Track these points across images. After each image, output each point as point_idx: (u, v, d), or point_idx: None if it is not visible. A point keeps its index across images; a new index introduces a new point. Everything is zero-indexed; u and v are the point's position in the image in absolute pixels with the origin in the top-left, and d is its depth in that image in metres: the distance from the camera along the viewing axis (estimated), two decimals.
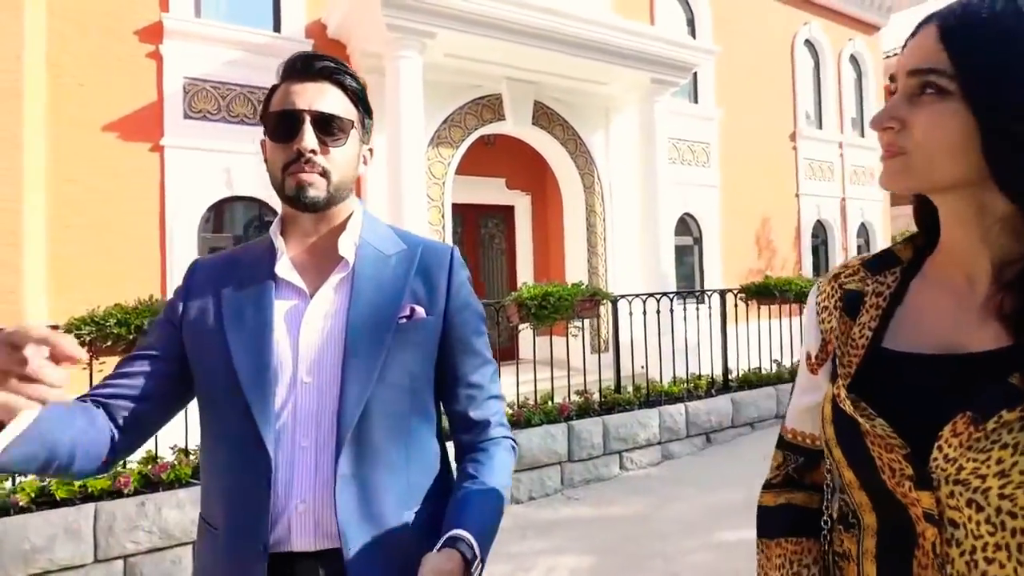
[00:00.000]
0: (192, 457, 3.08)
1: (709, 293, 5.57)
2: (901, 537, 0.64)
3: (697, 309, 5.58)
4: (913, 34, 0.65)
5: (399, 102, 5.56)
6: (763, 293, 5.67)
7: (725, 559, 3.01)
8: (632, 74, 7.06)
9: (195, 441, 3.17)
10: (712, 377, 5.40)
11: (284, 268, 0.96)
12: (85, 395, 0.92)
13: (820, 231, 10.97)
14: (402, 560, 0.86)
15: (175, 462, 2.93)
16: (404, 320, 0.94)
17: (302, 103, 0.92)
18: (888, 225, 11.95)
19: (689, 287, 8.74)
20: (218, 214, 5.93)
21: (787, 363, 5.88)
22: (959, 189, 0.63)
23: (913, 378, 0.65)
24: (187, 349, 0.95)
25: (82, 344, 2.65)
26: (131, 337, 2.67)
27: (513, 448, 1.03)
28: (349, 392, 0.89)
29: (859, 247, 11.54)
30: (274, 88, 0.98)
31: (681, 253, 8.73)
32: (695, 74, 8.39)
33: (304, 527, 0.87)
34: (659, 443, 4.68)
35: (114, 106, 5.34)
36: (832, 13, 11.18)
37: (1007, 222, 0.62)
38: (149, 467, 2.89)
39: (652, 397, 4.85)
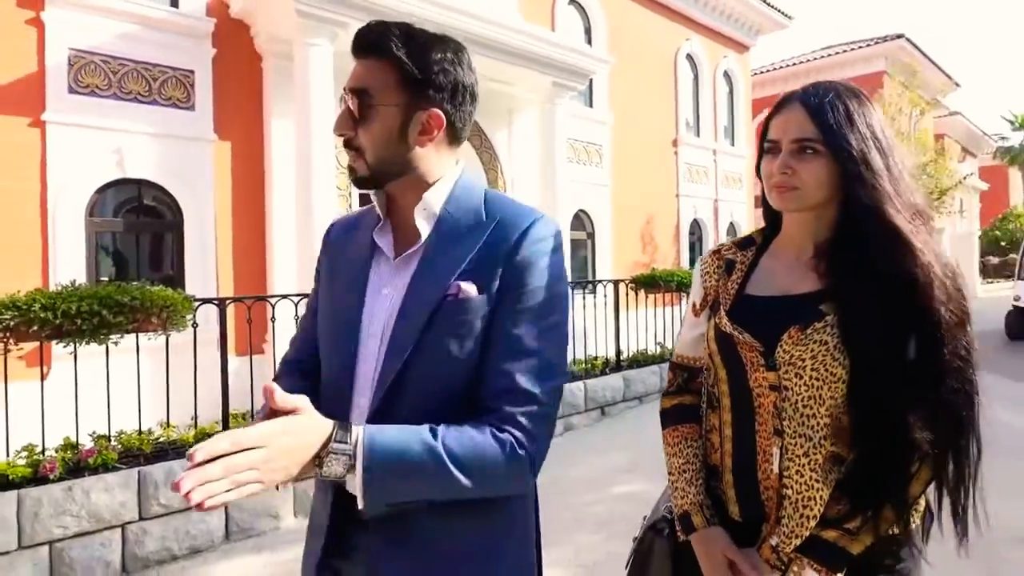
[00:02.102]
0: (113, 442, 3.06)
1: (604, 283, 6.15)
2: (746, 408, 1.07)
3: (594, 297, 6.14)
4: (781, 107, 1.07)
5: (309, 89, 5.54)
6: (650, 283, 6.35)
7: (617, 506, 3.53)
8: (535, 76, 7.48)
9: (117, 427, 3.15)
10: (606, 358, 6.00)
11: (379, 233, 0.98)
12: (292, 360, 1.06)
13: (696, 228, 12.16)
14: (418, 536, 0.87)
15: (99, 448, 2.92)
16: (450, 298, 0.87)
17: (348, 84, 0.91)
18: (752, 223, 13.45)
19: (583, 278, 9.40)
20: (108, 197, 5.59)
21: (669, 344, 6.63)
22: (815, 206, 1.05)
23: (764, 309, 1.09)
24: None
25: (4, 329, 2.57)
26: (57, 322, 2.63)
27: (512, 448, 0.84)
28: (386, 365, 0.89)
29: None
30: None
31: (576, 247, 9.35)
32: (591, 80, 8.98)
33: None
34: (561, 417, 5.17)
35: None
36: (709, 31, 12.36)
37: (825, 221, 1.07)
38: (70, 454, 2.86)
39: None
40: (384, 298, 0.94)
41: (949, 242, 18.36)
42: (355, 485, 0.77)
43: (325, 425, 0.77)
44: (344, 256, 1.03)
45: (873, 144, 1.01)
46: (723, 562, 1.04)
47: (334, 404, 0.92)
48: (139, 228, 5.77)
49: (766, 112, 1.17)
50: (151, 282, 5.80)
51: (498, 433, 0.84)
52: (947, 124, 23.94)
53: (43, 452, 2.84)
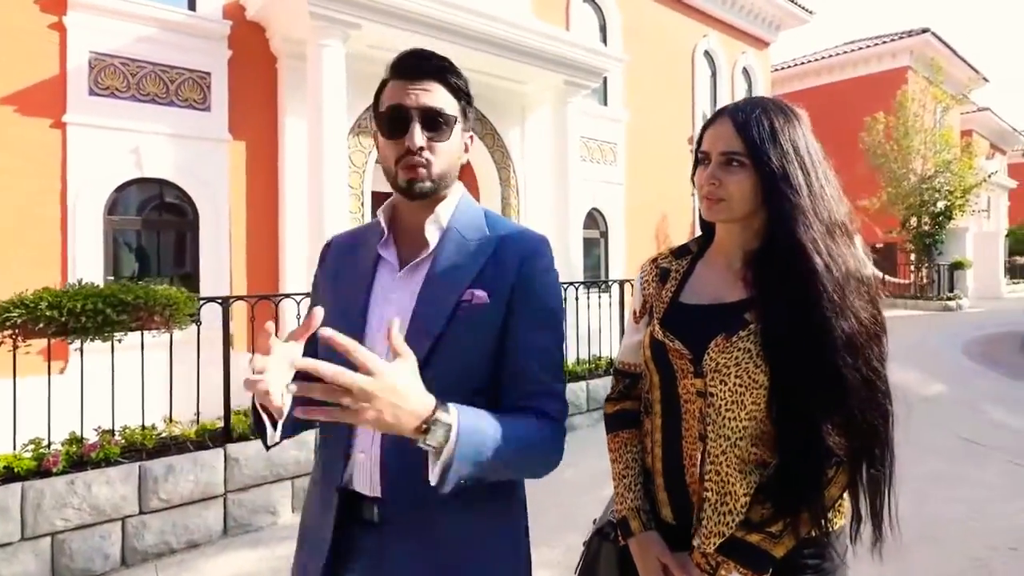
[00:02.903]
0: (117, 437, 3.16)
1: (610, 283, 6.13)
2: (674, 414, 1.10)
3: (599, 297, 6.14)
4: (713, 121, 1.10)
5: (321, 90, 5.62)
6: None
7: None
8: (548, 75, 7.49)
9: (122, 421, 3.25)
10: (611, 358, 5.99)
11: (384, 245, 1.07)
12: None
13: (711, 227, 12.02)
14: (438, 530, 0.95)
15: (102, 442, 3.02)
16: (465, 304, 0.97)
17: (410, 101, 0.99)
18: None
19: (596, 277, 9.38)
20: (126, 197, 5.75)
21: None
22: (743, 217, 1.08)
23: (695, 318, 1.11)
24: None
25: (11, 327, 2.68)
26: (63, 320, 2.73)
27: (554, 431, 0.98)
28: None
29: None
30: (383, 84, 1.05)
31: (589, 245, 9.34)
32: (605, 78, 8.95)
33: (363, 473, 0.97)
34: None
35: (11, 78, 5.05)
36: (728, 27, 12.21)
37: (753, 230, 1.09)
38: (75, 448, 2.96)
39: None
40: (392, 304, 1.02)
41: (973, 241, 17.87)
42: (441, 459, 0.80)
43: (428, 393, 0.81)
44: (347, 270, 1.10)
45: (795, 159, 1.03)
46: (657, 566, 1.08)
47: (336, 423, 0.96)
48: (156, 226, 5.93)
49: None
50: (171, 279, 6.05)
51: (540, 422, 0.96)
52: (975, 120, 23.32)
53: (49, 446, 2.94)
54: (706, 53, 11.84)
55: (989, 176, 16.60)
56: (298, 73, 6.16)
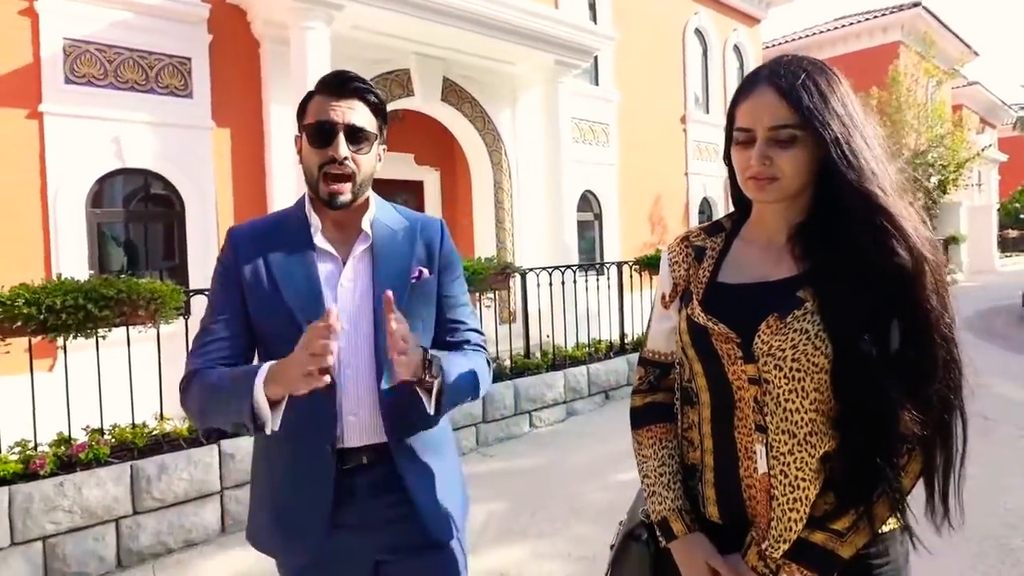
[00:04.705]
0: (107, 436, 3.06)
1: (608, 265, 6.05)
2: (725, 403, 1.01)
3: (597, 280, 6.05)
4: (750, 90, 0.98)
5: (306, 74, 5.45)
6: (655, 264, 6.24)
7: (618, 495, 3.47)
8: (538, 55, 7.33)
9: (111, 420, 3.14)
10: (611, 341, 5.92)
11: (321, 240, 1.20)
12: (208, 367, 1.13)
13: (706, 207, 11.96)
14: (430, 440, 1.24)
15: (91, 442, 2.91)
16: (415, 280, 1.22)
17: (337, 117, 1.14)
18: None
19: (590, 260, 9.29)
20: (109, 188, 5.58)
21: None
22: (795, 195, 0.98)
23: (739, 298, 1.02)
24: (248, 304, 1.17)
25: None
26: (41, 317, 2.61)
27: (488, 361, 1.31)
28: (382, 334, 1.13)
29: None
30: (309, 96, 1.20)
31: (583, 228, 9.24)
32: (596, 57, 8.79)
33: (354, 432, 1.18)
34: (564, 402, 5.12)
35: None
36: (718, 4, 12.02)
37: (801, 205, 1.00)
38: (63, 449, 2.86)
39: (558, 361, 5.27)
40: (345, 291, 1.19)
41: (966, 215, 17.93)
42: (435, 392, 1.10)
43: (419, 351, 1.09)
44: (277, 259, 1.18)
45: (851, 122, 0.93)
46: (706, 570, 0.99)
47: (315, 392, 1.03)
48: (140, 218, 5.77)
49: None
50: (160, 272, 5.92)
51: (480, 351, 1.31)
52: (965, 95, 23.27)
53: (35, 448, 2.84)
54: (697, 31, 11.66)
55: (983, 150, 16.58)
56: (282, 57, 5.98)
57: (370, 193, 1.26)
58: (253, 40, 6.19)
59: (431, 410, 1.10)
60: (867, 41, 17.81)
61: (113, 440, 3.00)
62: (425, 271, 1.24)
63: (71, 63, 5.23)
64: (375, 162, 1.23)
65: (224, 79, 5.99)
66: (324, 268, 1.19)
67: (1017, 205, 27.24)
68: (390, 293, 1.02)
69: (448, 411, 1.16)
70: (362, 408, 1.18)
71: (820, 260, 0.94)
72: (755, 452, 0.97)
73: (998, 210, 21.92)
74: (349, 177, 1.15)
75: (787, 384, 0.94)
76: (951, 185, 15.39)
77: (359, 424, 1.18)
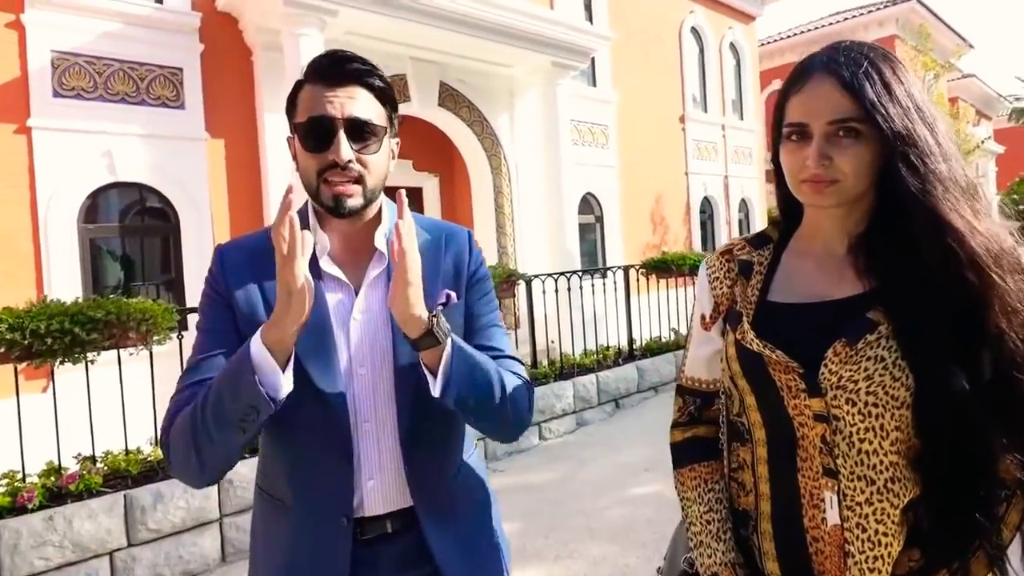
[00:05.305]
0: (99, 464, 2.92)
1: (614, 269, 5.92)
2: (785, 442, 0.87)
3: (603, 284, 5.93)
4: (804, 81, 0.84)
5: None
6: (661, 267, 6.12)
7: (635, 511, 3.34)
8: (534, 57, 7.22)
9: (102, 447, 3.00)
10: (619, 347, 5.79)
11: (328, 263, 0.99)
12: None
13: (707, 207, 11.84)
14: (463, 504, 1.06)
15: (82, 471, 2.77)
16: (441, 307, 0.96)
17: (334, 110, 0.91)
18: (764, 199, 13.09)
19: (592, 263, 9.17)
20: (101, 202, 5.44)
21: (683, 330, 6.40)
22: (856, 199, 0.85)
23: (795, 320, 0.88)
24: (244, 334, 0.94)
25: None
26: (26, 342, 2.47)
27: (528, 385, 1.07)
28: (404, 378, 0.96)
29: (740, 220, 12.57)
30: (298, 86, 0.97)
31: (584, 231, 9.11)
32: (593, 59, 8.68)
33: (375, 498, 0.98)
34: (573, 412, 4.98)
35: None
36: (714, 2, 11.93)
37: (862, 211, 0.86)
38: (53, 479, 2.72)
39: (566, 370, 5.14)
40: (359, 325, 0.99)
41: None
42: (441, 371, 0.89)
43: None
44: (274, 288, 0.90)
45: (918, 117, 0.80)
46: None
47: (329, 429, 0.94)
48: (135, 232, 5.63)
49: (776, 85, 0.94)
50: (156, 287, 5.77)
51: (518, 375, 1.05)
52: (961, 87, 23.23)
53: (24, 479, 2.70)
54: (693, 29, 11.56)
55: (982, 142, 16.52)
56: (275, 65, 5.86)
57: (383, 200, 1.04)
58: (246, 48, 6.07)
59: (436, 391, 0.89)
60: (863, 35, 17.75)
61: (106, 468, 2.86)
62: (453, 295, 1.00)
63: (59, 76, 5.11)
64: (387, 161, 1.00)
65: (217, 89, 5.87)
66: (332, 298, 0.98)
67: (1015, 196, 27.16)
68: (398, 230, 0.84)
69: (459, 400, 0.91)
70: (384, 470, 0.99)
71: (889, 275, 0.81)
72: (824, 500, 0.83)
73: (997, 202, 21.84)
74: (357, 181, 0.94)
75: (862, 421, 0.81)
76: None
77: (381, 489, 0.99)
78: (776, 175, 0.94)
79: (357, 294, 0.99)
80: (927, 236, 0.78)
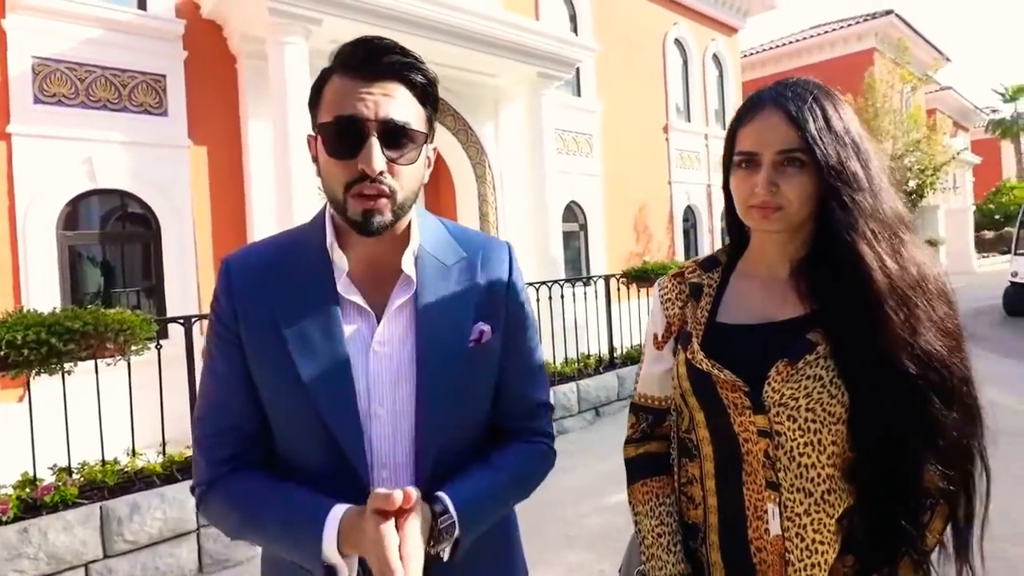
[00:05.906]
0: (75, 475, 2.91)
1: (595, 279, 5.99)
2: (732, 457, 0.92)
3: (584, 293, 5.99)
4: (754, 113, 0.90)
5: (285, 90, 5.36)
6: (642, 277, 6.19)
7: (614, 518, 3.38)
8: (520, 67, 7.29)
9: (79, 458, 2.99)
10: (599, 356, 5.85)
11: (346, 286, 0.85)
12: (236, 459, 0.86)
13: (690, 215, 11.99)
14: (492, 546, 0.93)
15: (58, 483, 2.76)
16: (473, 344, 0.88)
17: (367, 110, 0.78)
18: None
19: (576, 271, 9.24)
20: (81, 210, 5.40)
21: None
22: (799, 225, 0.91)
23: (741, 340, 0.93)
24: (250, 366, 0.85)
25: None
26: (1, 353, 2.46)
27: (546, 453, 0.98)
28: (427, 423, 0.84)
29: (722, 229, 12.73)
30: (324, 76, 0.83)
31: (568, 239, 9.18)
32: (578, 69, 8.78)
33: None
34: (554, 420, 5.01)
35: None
36: (697, 15, 12.12)
37: (803, 237, 0.93)
38: (28, 491, 2.71)
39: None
40: (380, 358, 0.86)
41: (944, 218, 18.23)
42: (451, 544, 0.80)
43: (424, 507, 0.78)
44: (291, 317, 0.84)
45: (852, 151, 0.87)
46: None
47: (343, 479, 0.82)
48: (115, 239, 5.60)
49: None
50: (136, 295, 5.73)
51: (533, 444, 0.96)
52: (938, 99, 23.75)
53: None
54: (676, 41, 11.74)
55: (958, 154, 16.89)
56: (260, 73, 5.87)
57: (413, 214, 0.89)
58: (230, 56, 6.07)
59: (446, 556, 0.80)
60: (842, 49, 18.10)
61: (82, 479, 2.85)
62: (487, 330, 0.88)
63: (40, 82, 5.08)
64: (423, 172, 0.86)
65: (200, 96, 5.86)
66: (350, 327, 0.85)
67: (992, 206, 27.77)
68: (413, 493, 0.72)
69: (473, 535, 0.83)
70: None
71: (828, 298, 0.87)
72: (767, 512, 0.89)
73: (974, 212, 22.33)
74: (388, 195, 0.80)
75: (802, 437, 0.86)
76: (928, 189, 15.63)
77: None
78: (725, 200, 1.00)
79: (379, 321, 0.86)
80: (845, 266, 0.85)
